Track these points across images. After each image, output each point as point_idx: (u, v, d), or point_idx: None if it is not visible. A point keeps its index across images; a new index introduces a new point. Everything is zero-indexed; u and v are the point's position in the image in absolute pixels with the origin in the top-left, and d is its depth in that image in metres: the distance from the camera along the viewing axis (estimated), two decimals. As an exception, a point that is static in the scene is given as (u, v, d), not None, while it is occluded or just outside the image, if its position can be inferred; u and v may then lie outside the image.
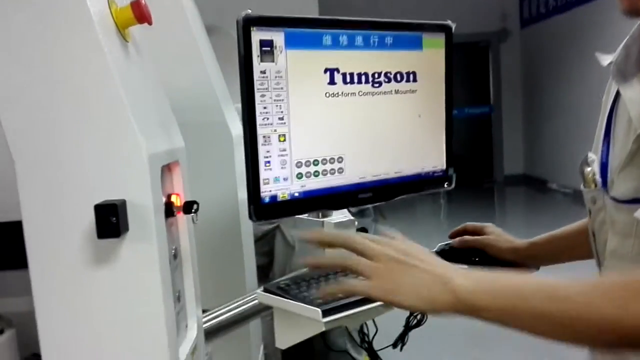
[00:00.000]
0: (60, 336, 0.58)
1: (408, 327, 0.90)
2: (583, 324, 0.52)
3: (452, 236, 0.97)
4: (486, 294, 0.55)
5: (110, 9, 0.59)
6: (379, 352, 0.94)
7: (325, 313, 0.66)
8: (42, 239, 0.56)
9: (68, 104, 0.56)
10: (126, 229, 0.55)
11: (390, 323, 0.87)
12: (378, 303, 0.69)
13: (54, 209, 0.55)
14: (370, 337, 0.94)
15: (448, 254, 0.93)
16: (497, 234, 0.94)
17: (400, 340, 0.91)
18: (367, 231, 1.00)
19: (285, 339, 0.76)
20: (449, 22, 0.93)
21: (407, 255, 0.61)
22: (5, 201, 0.73)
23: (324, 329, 0.67)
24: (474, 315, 0.56)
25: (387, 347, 0.92)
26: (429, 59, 0.93)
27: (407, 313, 0.88)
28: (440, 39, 0.93)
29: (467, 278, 0.57)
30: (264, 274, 1.59)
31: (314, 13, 3.86)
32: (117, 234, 0.54)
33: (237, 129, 1.15)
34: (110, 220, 0.53)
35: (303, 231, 0.63)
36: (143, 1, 0.57)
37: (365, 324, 0.93)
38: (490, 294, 0.55)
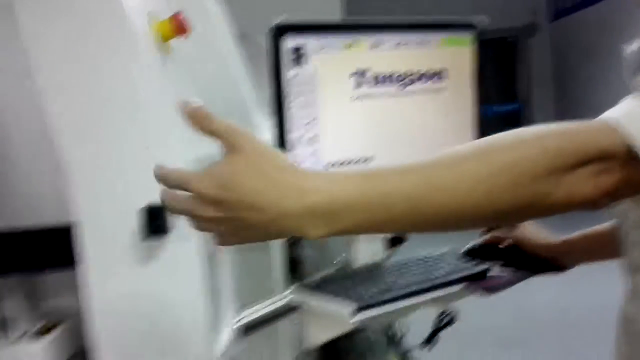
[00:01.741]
0: (107, 332, 0.61)
1: (438, 327, 0.90)
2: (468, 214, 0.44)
3: (485, 232, 0.96)
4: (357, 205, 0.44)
5: (150, 24, 0.62)
6: (407, 353, 0.94)
7: (355, 311, 0.68)
8: (92, 240, 0.60)
9: (115, 115, 0.59)
10: (169, 229, 0.59)
11: (420, 323, 0.88)
12: (410, 301, 0.70)
13: (103, 212, 0.59)
14: (400, 337, 0.95)
15: (477, 251, 0.92)
16: (532, 229, 0.93)
17: (430, 341, 0.91)
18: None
19: (315, 338, 0.78)
20: (474, 19, 0.92)
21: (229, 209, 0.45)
22: (54, 206, 0.78)
23: (352, 327, 0.68)
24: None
25: (416, 347, 0.93)
26: (456, 58, 0.92)
27: (437, 312, 0.89)
28: (466, 37, 0.93)
29: (317, 191, 0.43)
30: (299, 268, 1.58)
31: (337, 14, 3.86)
32: (162, 233, 0.57)
33: (267, 132, 1.17)
34: (155, 221, 0.56)
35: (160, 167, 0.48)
36: (181, 15, 0.59)
37: (396, 323, 0.93)
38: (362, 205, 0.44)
